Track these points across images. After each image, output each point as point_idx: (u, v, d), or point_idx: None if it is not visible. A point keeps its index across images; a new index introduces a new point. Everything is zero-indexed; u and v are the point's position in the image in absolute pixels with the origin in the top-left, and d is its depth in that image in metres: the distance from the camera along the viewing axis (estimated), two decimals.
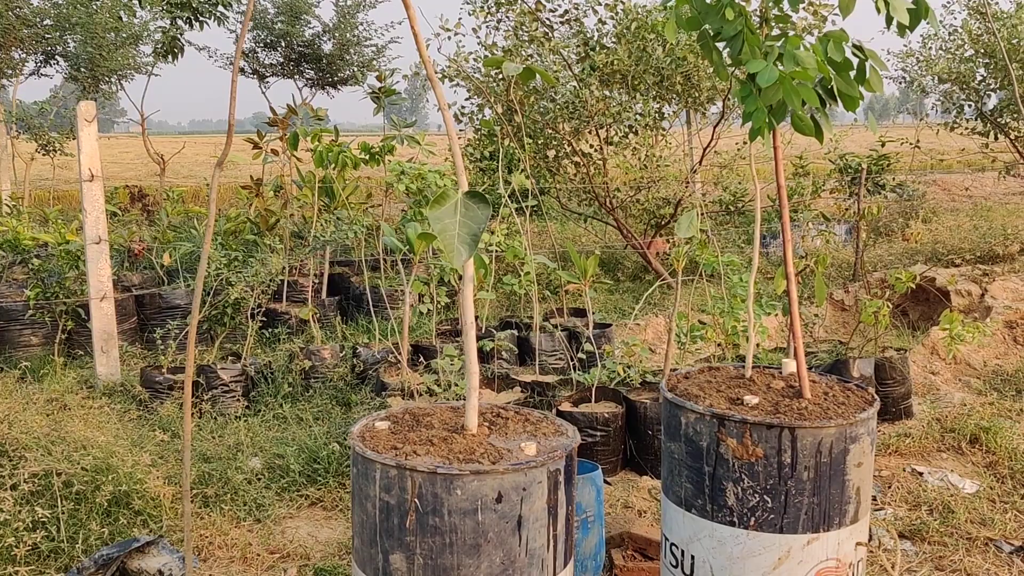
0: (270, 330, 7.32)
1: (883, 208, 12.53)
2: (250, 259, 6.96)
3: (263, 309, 7.11)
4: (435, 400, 4.87)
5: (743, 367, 3.39)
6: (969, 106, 12.54)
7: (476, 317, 6.87)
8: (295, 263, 8.08)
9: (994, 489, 4.68)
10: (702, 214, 10.69)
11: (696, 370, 3.46)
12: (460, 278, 2.86)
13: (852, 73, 2.93)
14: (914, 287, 6.31)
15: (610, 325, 6.87)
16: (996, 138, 12.29)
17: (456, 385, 4.94)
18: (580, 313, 7.22)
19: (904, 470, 4.92)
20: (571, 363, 5.70)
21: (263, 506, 4.43)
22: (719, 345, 5.69)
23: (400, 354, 5.32)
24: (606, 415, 4.82)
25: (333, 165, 7.32)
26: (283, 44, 15.52)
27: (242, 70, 16.04)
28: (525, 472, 2.54)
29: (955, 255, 7.91)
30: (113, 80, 14.81)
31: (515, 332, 6.51)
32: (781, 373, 3.28)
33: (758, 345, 5.66)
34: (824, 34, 2.89)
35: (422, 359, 5.84)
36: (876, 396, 3.08)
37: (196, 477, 4.55)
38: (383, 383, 5.39)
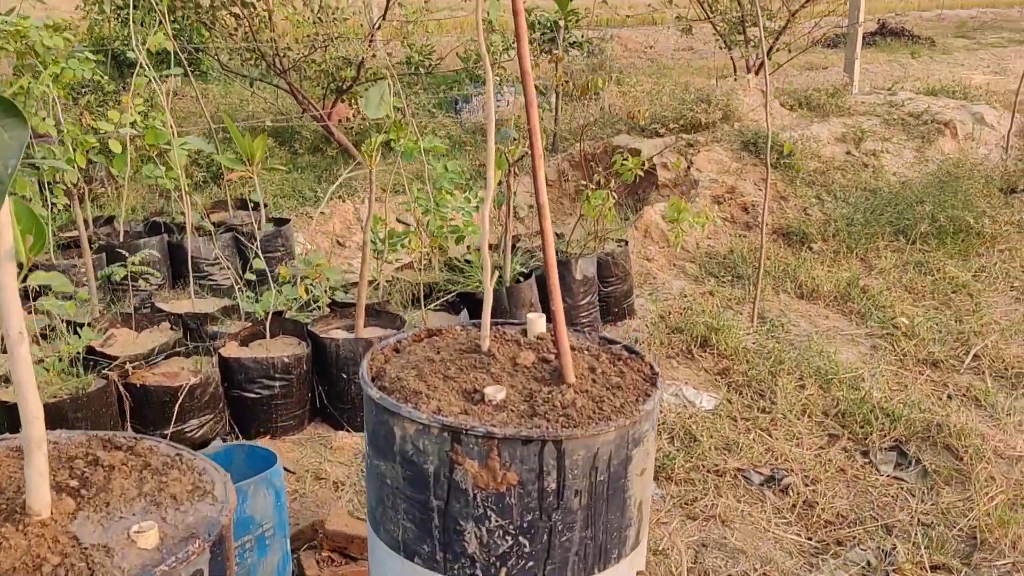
0: None
1: (578, 69, 12.02)
2: None
3: None
4: None
5: (473, 325, 2.45)
6: None
7: (112, 218, 5.38)
8: None
9: (733, 403, 4.20)
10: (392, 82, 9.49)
11: (410, 337, 2.43)
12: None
13: None
14: (619, 161, 5.63)
15: (288, 221, 5.64)
16: None
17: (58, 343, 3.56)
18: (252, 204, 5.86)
19: None
20: (239, 282, 4.47)
21: None
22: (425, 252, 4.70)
23: None
24: (286, 360, 3.72)
25: None
26: None
27: None
28: None
29: (658, 123, 7.42)
30: None
31: (165, 237, 5.12)
32: (526, 337, 2.36)
33: (468, 246, 4.74)
34: None
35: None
36: (656, 369, 2.24)
37: None
38: None
